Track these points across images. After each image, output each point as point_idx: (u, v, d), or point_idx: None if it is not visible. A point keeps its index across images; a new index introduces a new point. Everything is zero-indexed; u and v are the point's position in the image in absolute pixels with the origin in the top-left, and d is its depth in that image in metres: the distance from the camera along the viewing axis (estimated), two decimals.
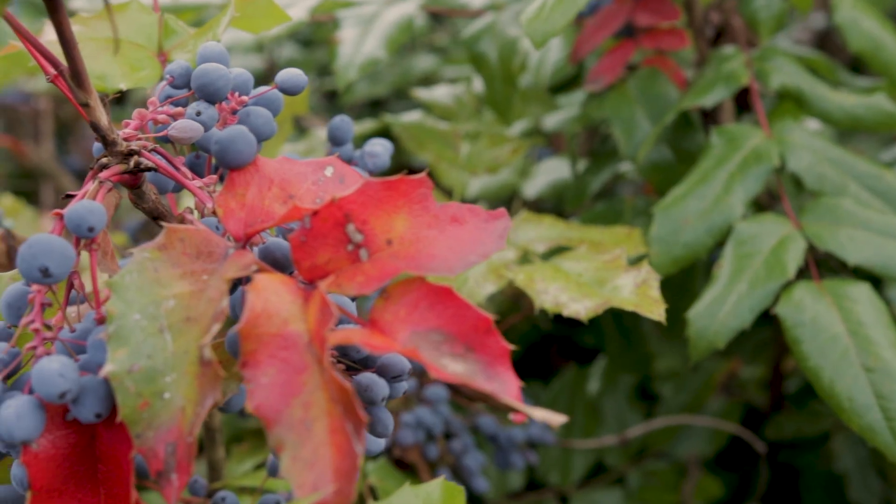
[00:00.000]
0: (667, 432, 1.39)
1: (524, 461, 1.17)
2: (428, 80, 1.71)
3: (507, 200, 1.33)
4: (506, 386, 0.48)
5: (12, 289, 0.56)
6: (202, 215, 0.60)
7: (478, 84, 1.28)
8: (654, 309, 0.81)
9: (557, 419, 0.47)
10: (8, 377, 0.54)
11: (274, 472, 0.79)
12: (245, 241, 0.54)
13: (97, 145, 0.63)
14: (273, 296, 0.50)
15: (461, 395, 1.19)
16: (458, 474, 1.13)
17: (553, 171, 1.29)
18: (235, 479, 0.90)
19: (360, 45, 1.07)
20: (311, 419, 0.47)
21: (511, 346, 0.49)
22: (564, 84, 1.31)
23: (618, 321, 1.25)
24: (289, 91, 0.67)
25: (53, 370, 0.49)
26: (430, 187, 0.53)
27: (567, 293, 0.84)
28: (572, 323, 1.08)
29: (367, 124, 1.25)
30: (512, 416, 0.49)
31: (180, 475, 0.48)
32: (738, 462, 1.44)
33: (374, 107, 1.89)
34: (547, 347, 1.56)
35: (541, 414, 0.47)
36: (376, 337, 0.49)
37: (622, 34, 1.15)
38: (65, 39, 0.54)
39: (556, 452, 1.35)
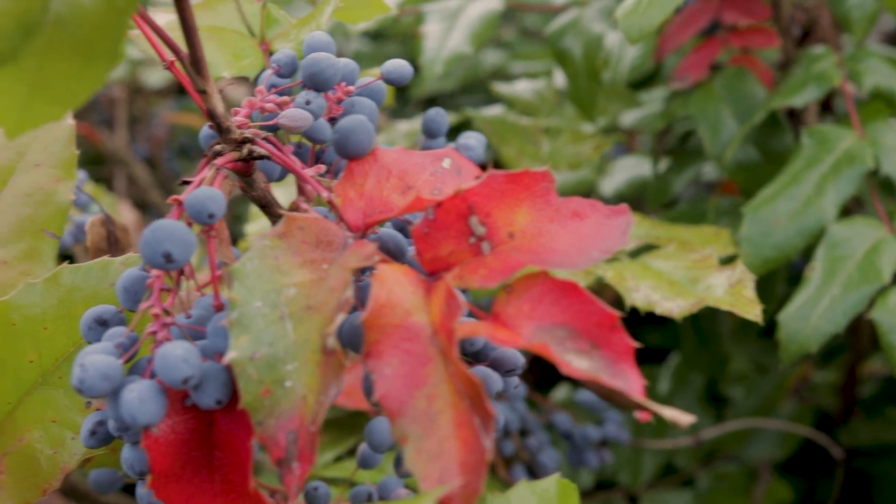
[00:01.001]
0: (737, 435, 1.37)
1: (599, 460, 1.16)
2: (496, 76, 1.70)
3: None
4: (630, 383, 0.48)
5: (129, 273, 0.56)
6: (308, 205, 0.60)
7: (558, 79, 1.27)
8: (750, 309, 0.80)
9: (686, 419, 0.46)
10: (127, 361, 0.54)
11: (364, 464, 0.78)
12: (363, 232, 0.54)
13: (205, 133, 0.64)
14: (396, 286, 0.50)
15: (538, 393, 1.19)
16: (533, 471, 1.12)
17: (631, 169, 1.28)
18: (318, 469, 0.90)
19: (445, 39, 1.06)
20: (436, 412, 0.47)
21: (636, 344, 0.48)
22: (642, 81, 1.30)
23: (694, 320, 1.24)
24: (394, 82, 0.67)
25: (178, 356, 0.49)
26: (552, 181, 0.52)
27: (659, 291, 0.84)
28: (638, 321, 1.07)
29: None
30: (637, 415, 0.49)
31: (302, 463, 0.48)
32: (809, 467, 1.42)
33: (431, 103, 1.88)
34: None
35: (670, 413, 0.46)
36: (500, 330, 0.49)
37: (707, 32, 1.14)
38: (187, 26, 0.54)
39: (626, 452, 1.34)
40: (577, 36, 1.11)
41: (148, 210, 1.68)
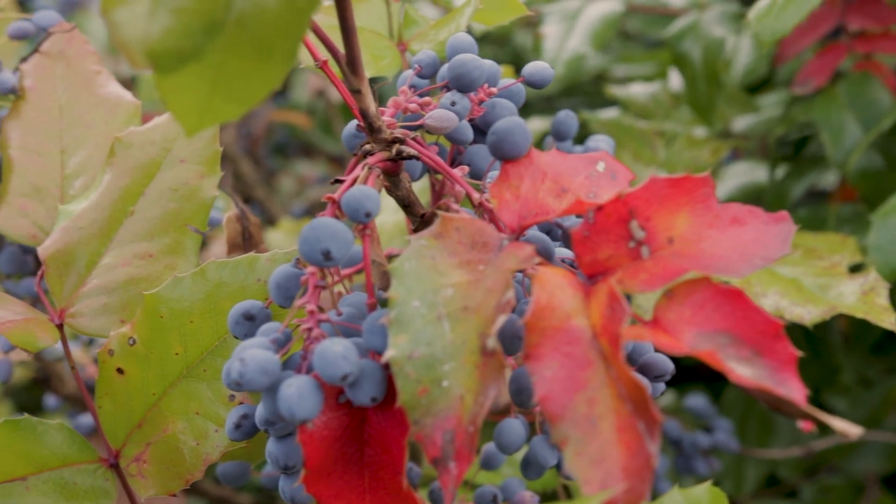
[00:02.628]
0: (842, 447, 1.35)
1: (708, 467, 1.15)
2: (598, 79, 1.69)
3: None
4: (794, 392, 0.47)
5: (282, 270, 0.57)
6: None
7: (673, 82, 1.26)
8: (884, 317, 0.79)
9: (854, 430, 0.45)
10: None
11: (487, 465, 0.79)
12: (518, 234, 0.54)
13: (348, 132, 0.64)
14: (557, 289, 0.50)
15: None
16: None
17: (743, 175, 1.26)
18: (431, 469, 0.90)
19: (564, 40, 1.06)
20: (597, 416, 0.47)
21: (798, 353, 0.48)
22: (756, 86, 1.29)
23: (805, 330, 1.22)
24: (535, 84, 0.67)
25: (337, 353, 0.50)
26: (712, 187, 0.52)
27: (787, 298, 0.82)
28: None
29: (536, 122, 1.25)
30: (800, 424, 0.48)
31: (459, 463, 0.48)
32: None
33: (526, 107, 1.87)
34: None
35: (839, 424, 0.45)
36: (661, 336, 0.49)
37: (830, 37, 1.12)
38: (346, 27, 0.54)
39: (729, 461, 1.33)
40: (697, 40, 1.10)
41: (252, 206, 1.70)
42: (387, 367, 0.52)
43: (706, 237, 0.51)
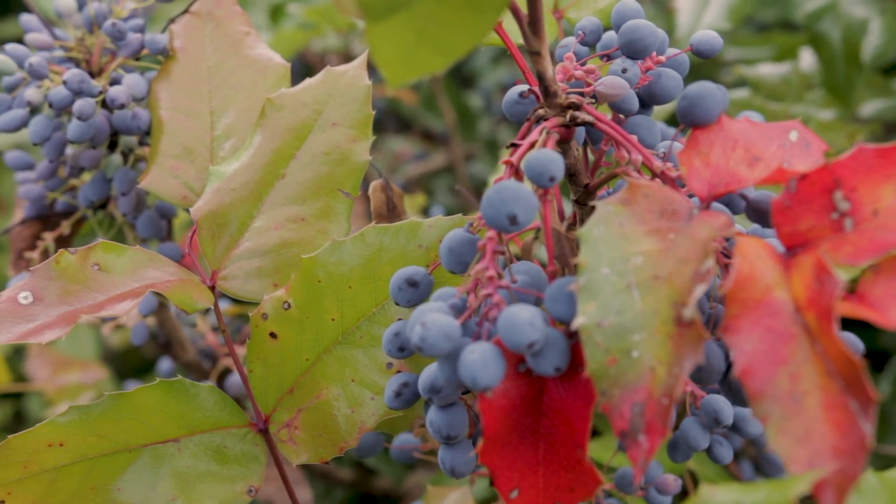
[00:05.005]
0: None
1: None
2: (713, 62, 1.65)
3: None
4: None
5: (456, 235, 0.56)
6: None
7: (804, 64, 1.22)
8: None
9: None
10: None
11: (622, 447, 0.77)
12: (708, 203, 0.52)
13: (510, 98, 0.62)
14: (758, 260, 0.47)
15: None
16: (760, 467, 1.09)
17: None
18: None
19: (699, 14, 1.03)
20: (801, 393, 0.45)
21: None
22: (885, 70, 1.25)
23: None
24: (703, 54, 0.65)
25: (524, 319, 0.48)
26: None
27: None
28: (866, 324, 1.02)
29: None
30: None
31: (650, 437, 0.47)
32: None
33: None
34: None
35: None
36: (865, 311, 0.46)
37: None
38: None
39: None
40: (836, 20, 1.07)
41: None
42: (570, 335, 0.51)
43: None
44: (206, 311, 1.05)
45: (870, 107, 1.19)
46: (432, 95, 1.66)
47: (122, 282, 0.62)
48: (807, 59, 1.22)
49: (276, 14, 1.51)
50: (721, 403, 0.61)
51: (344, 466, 1.27)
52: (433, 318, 0.50)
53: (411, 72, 0.43)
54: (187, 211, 0.82)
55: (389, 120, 1.97)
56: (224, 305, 1.04)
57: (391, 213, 0.76)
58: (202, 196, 0.68)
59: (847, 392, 0.44)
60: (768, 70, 1.20)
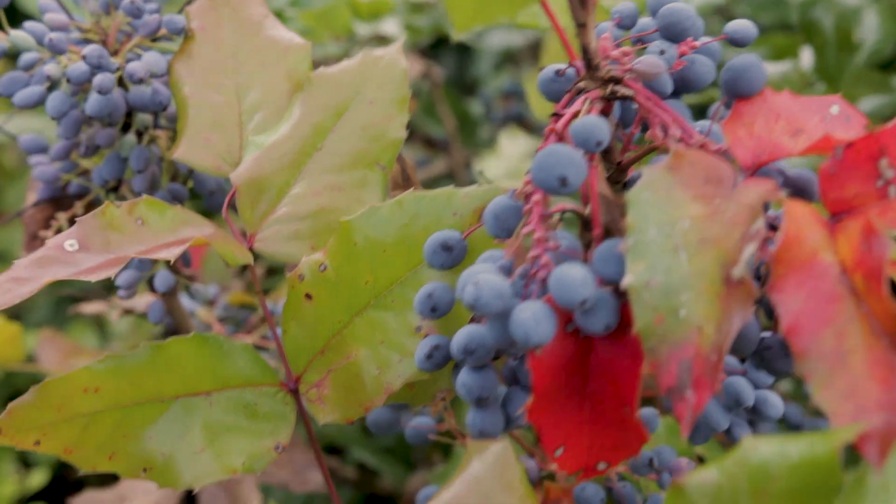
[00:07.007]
0: None
1: None
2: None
3: None
4: None
5: (501, 202, 0.57)
6: None
7: (804, 62, 1.25)
8: None
9: None
10: None
11: (668, 406, 0.77)
12: (752, 172, 0.54)
13: (545, 75, 0.64)
14: (804, 224, 0.49)
15: None
16: None
17: None
18: None
19: None
20: (846, 350, 0.47)
21: None
22: (881, 66, 1.27)
23: None
24: (738, 42, 0.66)
25: (576, 277, 0.50)
26: None
27: None
28: None
29: None
30: None
31: (698, 392, 0.48)
32: None
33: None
34: None
35: None
36: None
37: None
38: None
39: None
40: (829, 7, 1.09)
41: None
42: (619, 296, 0.52)
43: None
44: (212, 302, 1.06)
45: (868, 103, 1.21)
46: (432, 102, 1.67)
47: (163, 236, 0.63)
48: (806, 57, 1.24)
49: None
50: (743, 385, 0.63)
51: (348, 465, 1.28)
52: (485, 279, 0.51)
53: (478, 20, 0.45)
54: (200, 190, 0.84)
55: None
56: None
57: (406, 182, 0.77)
58: (242, 163, 0.70)
59: (893, 350, 0.46)
60: (770, 69, 1.22)
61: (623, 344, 0.52)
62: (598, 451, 0.53)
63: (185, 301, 1.00)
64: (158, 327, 0.96)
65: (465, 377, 0.58)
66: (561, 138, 0.56)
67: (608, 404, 0.53)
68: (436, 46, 1.81)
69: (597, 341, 0.54)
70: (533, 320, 0.50)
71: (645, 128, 0.62)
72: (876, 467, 0.45)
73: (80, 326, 1.46)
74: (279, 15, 1.43)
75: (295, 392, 0.67)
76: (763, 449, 0.47)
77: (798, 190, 0.56)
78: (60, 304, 1.51)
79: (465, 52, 1.83)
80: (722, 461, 0.47)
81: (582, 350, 0.54)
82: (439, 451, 1.27)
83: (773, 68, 1.22)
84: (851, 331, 0.47)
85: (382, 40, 1.46)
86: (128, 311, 0.99)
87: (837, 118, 0.54)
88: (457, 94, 1.72)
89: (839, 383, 0.46)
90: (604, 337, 0.53)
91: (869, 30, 1.19)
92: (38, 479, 1.35)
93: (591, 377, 0.54)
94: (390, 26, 1.31)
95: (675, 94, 0.66)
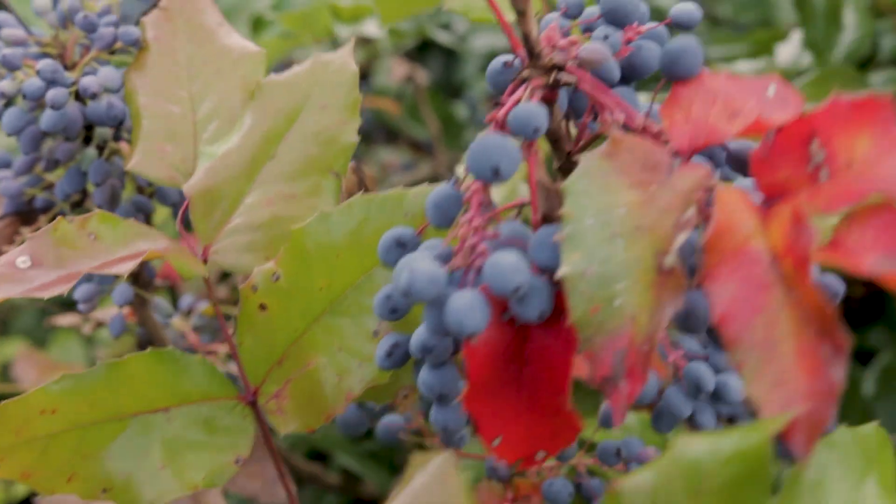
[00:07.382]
0: None
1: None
2: None
3: None
4: None
5: (441, 191, 0.57)
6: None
7: (780, 58, 1.25)
8: None
9: None
10: None
11: (605, 423, 0.77)
12: (688, 156, 0.53)
13: (494, 67, 0.63)
14: (736, 210, 0.49)
15: None
16: None
17: None
18: None
19: None
20: (776, 339, 0.46)
21: None
22: (860, 64, 1.27)
23: None
24: (683, 25, 0.66)
25: (510, 263, 0.49)
26: (893, 112, 0.50)
27: None
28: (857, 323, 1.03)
29: None
30: None
31: (631, 382, 0.48)
32: None
33: None
34: None
35: None
36: (840, 258, 0.47)
37: None
38: None
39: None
40: None
41: None
42: (553, 284, 0.52)
43: (886, 161, 0.50)
44: (189, 312, 1.06)
45: None
46: (416, 105, 1.67)
47: (116, 250, 0.63)
48: (782, 53, 1.24)
49: (258, 25, 1.52)
50: (703, 371, 0.62)
51: (332, 471, 1.28)
52: (419, 266, 0.51)
53: (404, 12, 0.45)
54: (163, 203, 0.84)
55: (377, 131, 1.99)
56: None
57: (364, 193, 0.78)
58: (195, 174, 0.70)
59: (820, 339, 0.46)
60: (745, 66, 1.22)
61: (557, 332, 0.52)
62: (536, 440, 0.53)
63: (162, 310, 1.00)
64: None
65: (425, 375, 0.58)
66: (502, 127, 0.56)
67: (544, 392, 0.53)
68: (423, 49, 1.81)
69: (532, 329, 0.53)
70: (467, 308, 0.49)
71: (597, 116, 0.62)
72: (802, 459, 0.44)
73: (66, 333, 1.46)
74: (260, 18, 1.44)
75: (253, 404, 0.66)
76: (696, 446, 0.47)
77: (742, 163, 0.56)
78: (45, 310, 1.52)
79: (451, 55, 1.83)
80: (658, 462, 0.47)
81: (518, 338, 0.53)
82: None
83: (750, 65, 1.22)
84: (781, 319, 0.46)
85: (364, 42, 1.46)
86: (101, 324, 0.99)
87: (775, 99, 0.54)
88: (443, 98, 1.72)
89: (769, 372, 0.46)
90: (539, 325, 0.52)
91: (848, 28, 1.19)
92: (23, 486, 1.35)
93: (528, 365, 0.53)
94: (372, 28, 1.31)
95: (625, 80, 0.66)
